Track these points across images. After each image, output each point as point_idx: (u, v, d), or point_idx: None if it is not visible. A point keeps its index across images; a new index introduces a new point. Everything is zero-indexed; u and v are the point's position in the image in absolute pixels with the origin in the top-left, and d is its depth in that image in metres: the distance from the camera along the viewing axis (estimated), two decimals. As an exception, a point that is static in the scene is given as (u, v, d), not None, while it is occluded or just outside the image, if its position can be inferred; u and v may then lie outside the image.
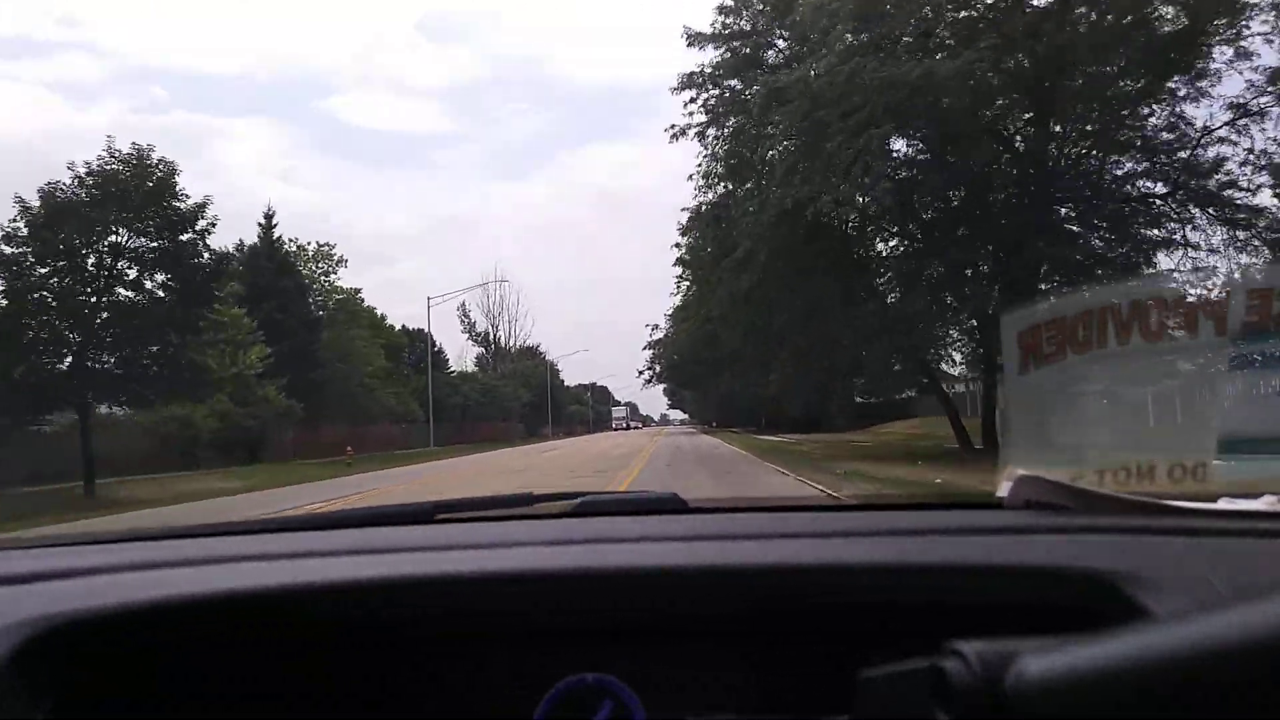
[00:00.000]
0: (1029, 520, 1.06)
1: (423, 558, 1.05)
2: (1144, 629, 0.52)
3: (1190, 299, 1.19)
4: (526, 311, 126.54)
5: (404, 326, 69.62)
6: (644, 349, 65.14)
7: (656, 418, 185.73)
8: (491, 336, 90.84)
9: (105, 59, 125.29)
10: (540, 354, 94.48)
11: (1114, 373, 1.26)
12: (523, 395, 75.56)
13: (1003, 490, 1.16)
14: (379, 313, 56.14)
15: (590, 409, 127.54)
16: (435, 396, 53.00)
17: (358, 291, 48.48)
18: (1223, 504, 1.05)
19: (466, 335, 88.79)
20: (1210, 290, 1.19)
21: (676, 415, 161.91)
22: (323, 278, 46.34)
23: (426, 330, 54.70)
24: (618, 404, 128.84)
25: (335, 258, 47.15)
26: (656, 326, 62.50)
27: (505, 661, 1.03)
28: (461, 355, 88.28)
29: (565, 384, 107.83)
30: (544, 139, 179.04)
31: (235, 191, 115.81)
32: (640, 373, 67.87)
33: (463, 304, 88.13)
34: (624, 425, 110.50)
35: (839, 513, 1.32)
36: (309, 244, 46.16)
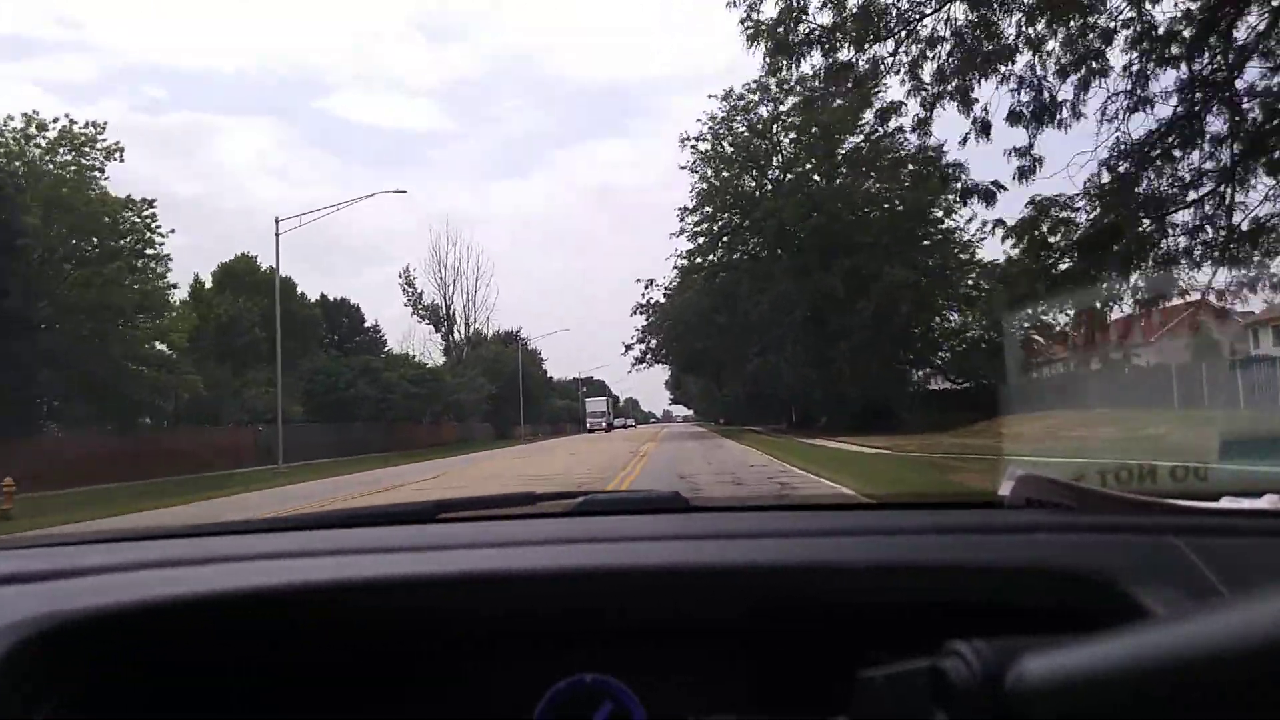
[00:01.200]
0: (1030, 519, 1.06)
1: (424, 557, 1.05)
2: (1144, 629, 0.52)
3: (1193, 300, 1.19)
4: (490, 279, 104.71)
5: (323, 295, 55.26)
6: (635, 313, 46.50)
7: (659, 414, 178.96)
8: (445, 311, 67.68)
9: (103, 59, 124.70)
10: (521, 341, 73.72)
11: (1116, 372, 1.25)
12: (485, 387, 58.29)
13: (1004, 489, 1.16)
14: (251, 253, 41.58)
15: (582, 404, 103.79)
16: (329, 385, 39.64)
17: (145, 205, 26.79)
18: (1224, 503, 1.05)
19: (410, 308, 67.24)
20: (1213, 290, 1.19)
21: (680, 411, 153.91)
22: (69, 173, 25.46)
23: (276, 277, 30.60)
24: (598, 396, 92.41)
25: (102, 144, 26.17)
26: (651, 283, 45.33)
27: (505, 661, 1.04)
28: (408, 337, 72.38)
29: (550, 377, 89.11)
30: (540, 136, 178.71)
31: (232, 191, 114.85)
32: (627, 348, 47.55)
33: (406, 269, 70.76)
34: (603, 425, 79.35)
35: (841, 512, 1.32)
36: (53, 121, 25.48)
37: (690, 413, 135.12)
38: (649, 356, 48.93)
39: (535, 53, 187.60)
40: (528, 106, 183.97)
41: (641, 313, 47.36)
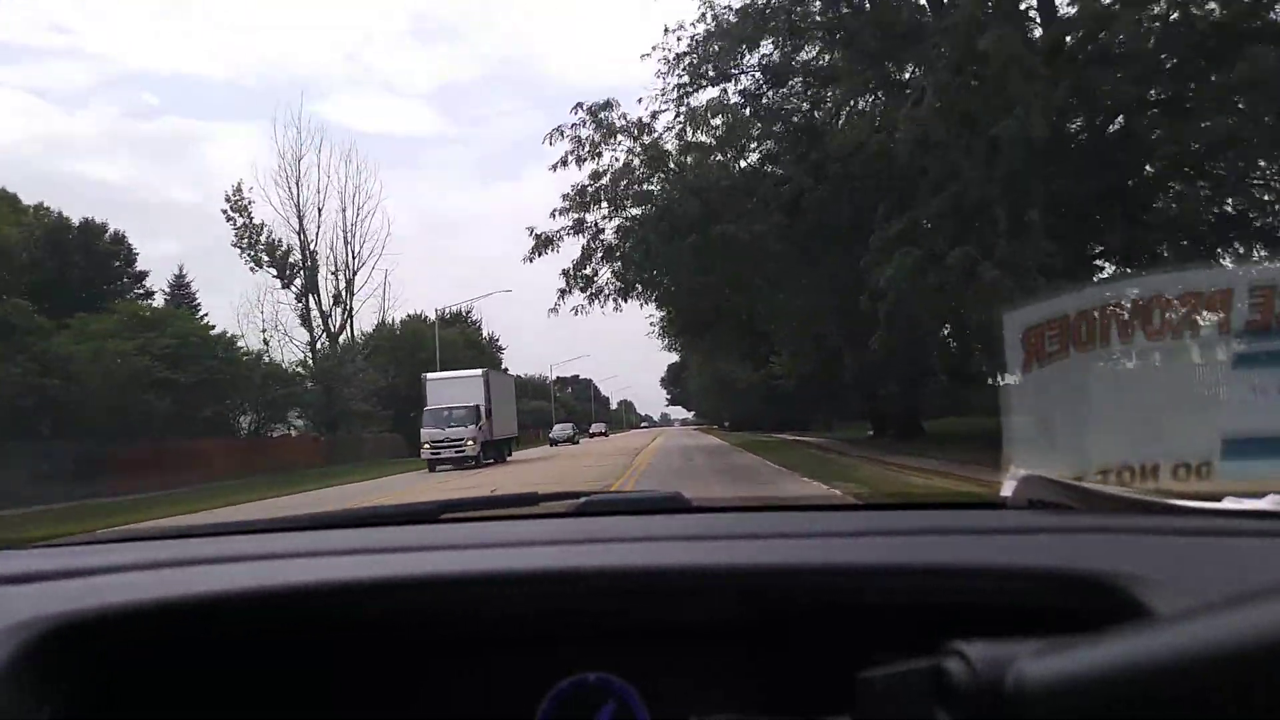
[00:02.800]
0: (1032, 520, 1.06)
1: (427, 557, 1.05)
2: (1146, 629, 0.52)
3: (1194, 297, 1.19)
4: (376, 206, 67.20)
5: (60, 215, 32.32)
6: (562, 164, 19.35)
7: (656, 418, 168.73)
8: (303, 254, 40.33)
9: (95, 64, 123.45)
10: (469, 322, 54.19)
11: (1117, 371, 1.25)
12: (363, 372, 37.95)
13: (1006, 489, 1.16)
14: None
15: (565, 407, 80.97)
16: None
17: None
18: (1227, 504, 1.05)
19: (238, 246, 38.82)
20: (1214, 288, 1.19)
21: (679, 414, 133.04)
22: None
23: None
24: (449, 373, 33.55)
25: None
26: (606, 107, 19.16)
27: (508, 661, 1.04)
28: (239, 309, 43.82)
29: (506, 368, 55.54)
30: (533, 139, 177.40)
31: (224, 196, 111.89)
32: (540, 243, 20.06)
33: (237, 186, 39.19)
34: (466, 442, 27.92)
35: (842, 513, 1.32)
36: None
37: (690, 415, 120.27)
38: (599, 271, 20.58)
39: (529, 57, 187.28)
40: (521, 109, 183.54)
41: (578, 159, 19.29)
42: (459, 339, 51.89)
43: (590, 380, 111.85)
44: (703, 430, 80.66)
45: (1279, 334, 1.14)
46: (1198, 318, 1.17)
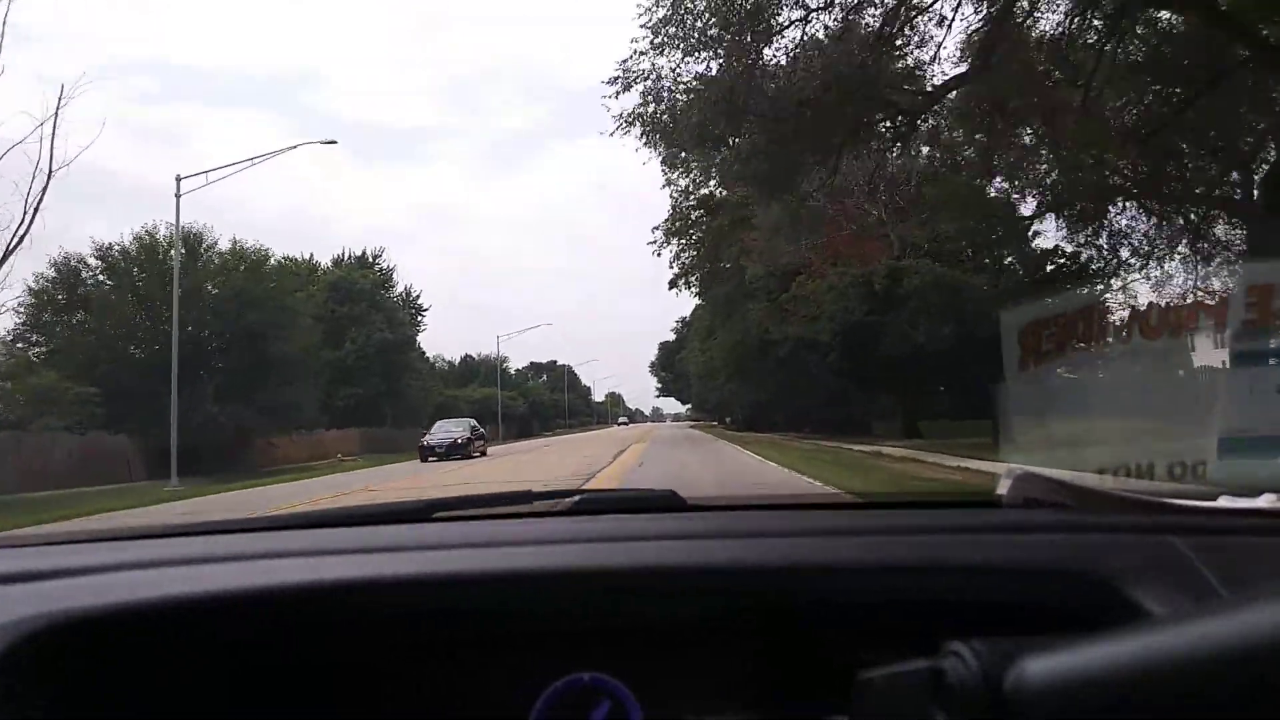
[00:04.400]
0: (1028, 518, 1.06)
1: (419, 557, 1.04)
2: (1143, 629, 0.52)
3: (1191, 298, 1.19)
4: None
5: None
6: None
7: (648, 412, 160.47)
8: None
9: (95, 51, 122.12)
10: (380, 267, 42.76)
11: (1114, 370, 1.26)
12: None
13: (1002, 488, 1.16)
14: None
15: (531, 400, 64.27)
16: None
17: None
18: (1222, 502, 1.05)
19: None
20: (1211, 289, 1.19)
21: (673, 408, 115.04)
22: None
23: None
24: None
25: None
26: None
27: (501, 661, 1.03)
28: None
29: (417, 346, 46.85)
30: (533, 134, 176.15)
31: (224, 185, 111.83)
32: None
33: None
34: None
35: (838, 511, 1.32)
36: None
37: (685, 409, 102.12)
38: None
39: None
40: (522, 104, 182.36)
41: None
42: (312, 286, 32.37)
43: (568, 367, 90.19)
44: (700, 428, 59.08)
45: (1275, 333, 1.14)
46: (1195, 318, 1.17)
